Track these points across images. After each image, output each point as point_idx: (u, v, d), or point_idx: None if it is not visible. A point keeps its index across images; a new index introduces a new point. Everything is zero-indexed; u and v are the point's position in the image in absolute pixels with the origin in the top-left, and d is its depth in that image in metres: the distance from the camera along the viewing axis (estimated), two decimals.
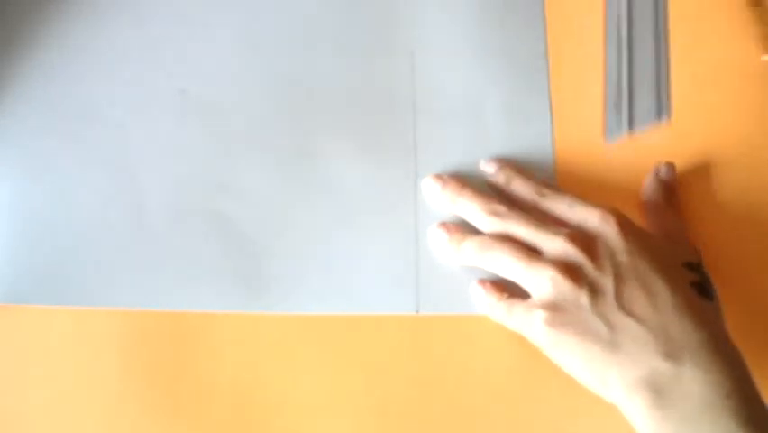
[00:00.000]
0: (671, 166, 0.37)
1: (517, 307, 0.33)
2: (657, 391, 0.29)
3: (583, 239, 0.32)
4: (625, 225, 0.33)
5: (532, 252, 0.33)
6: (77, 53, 0.40)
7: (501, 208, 0.34)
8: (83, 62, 0.40)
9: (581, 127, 0.39)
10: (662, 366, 0.29)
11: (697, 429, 0.28)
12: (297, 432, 0.35)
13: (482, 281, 0.35)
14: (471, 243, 0.35)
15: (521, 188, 0.36)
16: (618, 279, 0.31)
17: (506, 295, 0.34)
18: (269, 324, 0.36)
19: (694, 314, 0.30)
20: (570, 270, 0.31)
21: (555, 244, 0.32)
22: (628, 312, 0.30)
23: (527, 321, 0.33)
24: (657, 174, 0.37)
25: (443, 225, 0.36)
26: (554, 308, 0.31)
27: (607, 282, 0.31)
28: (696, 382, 0.28)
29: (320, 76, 0.40)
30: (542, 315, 0.32)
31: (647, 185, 0.37)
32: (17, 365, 0.36)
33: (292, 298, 0.36)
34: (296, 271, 0.37)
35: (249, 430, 0.35)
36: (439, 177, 0.37)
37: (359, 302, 0.36)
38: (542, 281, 0.32)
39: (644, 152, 0.38)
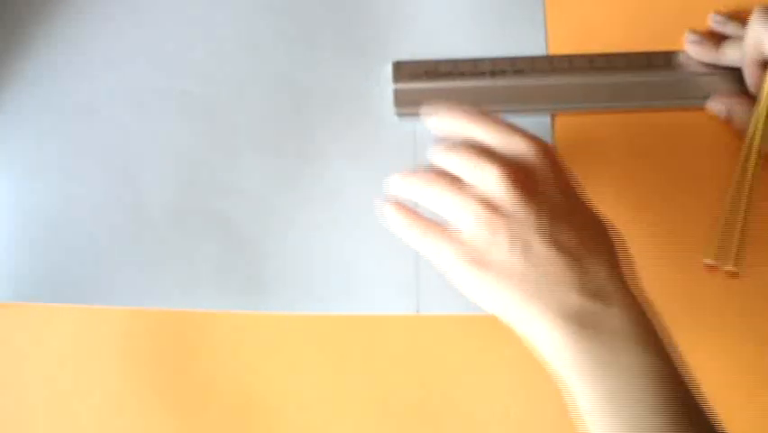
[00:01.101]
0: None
1: (434, 232, 0.32)
2: (581, 327, 0.29)
3: (517, 172, 0.31)
4: (555, 155, 0.32)
5: (461, 183, 0.32)
6: (78, 53, 0.40)
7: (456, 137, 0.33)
8: (83, 62, 0.40)
9: None
10: (588, 304, 0.29)
11: (617, 361, 0.29)
12: (298, 431, 0.35)
13: (395, 201, 0.33)
14: (413, 176, 0.33)
15: (458, 128, 0.34)
16: (546, 213, 0.30)
17: (423, 220, 0.32)
18: (269, 324, 0.36)
19: (614, 250, 0.31)
20: (494, 207, 0.30)
21: (487, 176, 0.31)
22: (555, 247, 0.30)
23: (442, 251, 0.31)
24: None
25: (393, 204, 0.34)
26: (474, 243, 0.30)
27: (534, 217, 0.30)
28: (616, 316, 0.29)
29: (320, 76, 0.40)
30: (460, 249, 0.31)
31: None
32: (17, 364, 0.36)
33: (292, 298, 0.36)
34: (296, 271, 0.37)
35: (249, 430, 0.35)
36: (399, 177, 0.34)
37: (359, 302, 0.36)
38: (465, 215, 0.31)
39: None
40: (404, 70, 0.40)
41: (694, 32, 0.39)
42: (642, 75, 0.39)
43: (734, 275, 0.36)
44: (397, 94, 0.39)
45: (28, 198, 0.38)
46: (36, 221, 0.37)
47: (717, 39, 0.39)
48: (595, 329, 0.29)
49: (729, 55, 0.38)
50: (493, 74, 0.39)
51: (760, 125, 0.36)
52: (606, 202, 0.35)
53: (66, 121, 0.39)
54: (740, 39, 0.37)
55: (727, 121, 0.38)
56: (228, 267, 0.37)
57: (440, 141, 0.33)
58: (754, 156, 0.36)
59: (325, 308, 0.36)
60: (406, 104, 0.39)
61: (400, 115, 0.39)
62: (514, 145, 0.32)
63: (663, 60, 0.40)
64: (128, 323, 0.36)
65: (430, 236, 0.32)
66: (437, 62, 0.40)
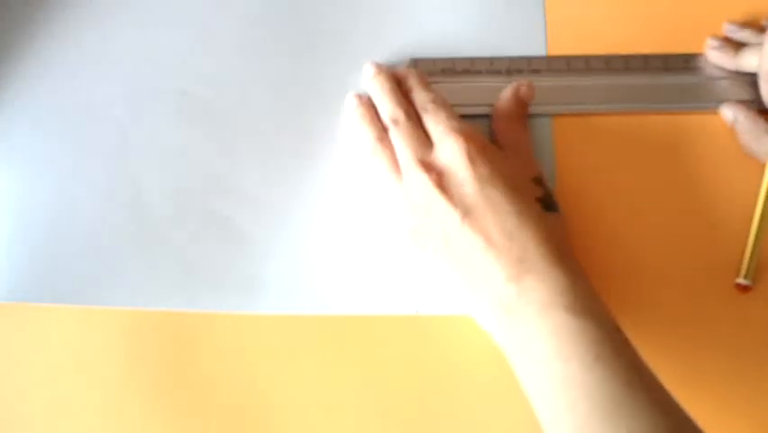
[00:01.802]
0: (531, 87, 0.38)
1: (387, 151, 0.36)
2: (504, 308, 0.31)
3: (437, 171, 0.33)
4: (472, 152, 0.33)
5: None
6: (78, 53, 0.40)
7: (402, 117, 0.36)
8: (83, 62, 0.40)
9: None
10: (506, 289, 0.31)
11: (537, 327, 0.30)
12: (297, 431, 0.35)
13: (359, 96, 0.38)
14: (368, 139, 0.37)
15: (416, 96, 0.37)
16: (467, 208, 0.32)
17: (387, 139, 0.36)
18: (269, 324, 0.36)
19: (539, 230, 0.32)
20: (421, 211, 0.33)
21: (411, 176, 0.34)
22: (478, 239, 0.31)
23: (384, 171, 0.35)
24: (517, 90, 0.38)
25: (357, 96, 0.38)
26: (415, 227, 0.34)
27: (454, 216, 0.32)
28: (534, 290, 0.30)
29: (319, 76, 0.40)
30: (407, 222, 0.34)
31: (503, 96, 0.38)
32: (17, 365, 0.36)
33: (292, 298, 0.36)
34: (295, 271, 0.37)
35: (249, 430, 0.35)
36: (377, 66, 0.38)
37: (359, 302, 0.36)
38: (403, 207, 0.34)
39: None
40: (421, 68, 0.40)
41: (716, 37, 0.39)
42: (665, 77, 0.39)
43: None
44: None
45: (28, 198, 0.38)
46: (36, 221, 0.37)
47: (735, 45, 0.39)
48: (516, 306, 0.31)
49: (748, 61, 0.38)
50: (509, 73, 0.39)
51: None
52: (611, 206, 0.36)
53: (66, 121, 0.39)
54: (759, 46, 0.37)
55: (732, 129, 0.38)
56: (228, 267, 0.37)
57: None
58: None
59: (325, 307, 0.36)
60: None
61: None
62: (436, 137, 0.35)
63: (693, 62, 0.40)
64: (128, 323, 0.36)
65: (381, 147, 0.36)
66: (454, 60, 0.40)
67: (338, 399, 0.35)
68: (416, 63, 0.40)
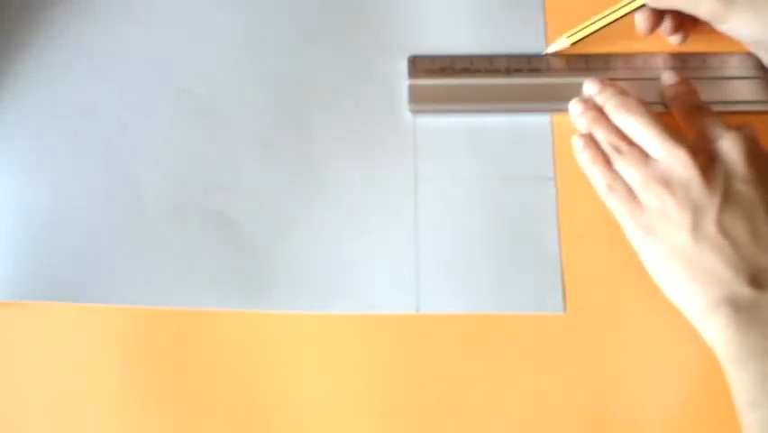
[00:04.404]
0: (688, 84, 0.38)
1: (617, 189, 0.35)
2: (737, 312, 0.30)
3: (705, 156, 0.33)
4: (753, 151, 0.33)
5: (646, 157, 0.34)
6: (78, 53, 0.40)
7: (641, 108, 0.36)
8: (83, 62, 0.40)
9: None
10: (746, 291, 0.31)
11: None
12: (298, 431, 0.35)
13: (587, 137, 0.37)
14: (603, 139, 0.36)
15: (687, 97, 0.37)
16: (725, 202, 0.32)
17: (613, 172, 0.35)
18: (269, 323, 0.36)
19: None
20: (675, 190, 0.33)
21: (674, 155, 0.33)
22: (724, 234, 0.32)
23: (619, 209, 0.35)
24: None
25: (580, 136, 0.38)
26: (647, 212, 0.33)
27: (712, 204, 0.32)
28: None
29: (320, 75, 0.40)
30: (634, 212, 0.34)
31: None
32: (17, 363, 0.36)
33: (292, 297, 0.36)
34: (296, 270, 0.37)
35: (249, 429, 0.35)
36: (600, 80, 0.38)
37: (359, 302, 0.36)
38: (648, 195, 0.34)
39: None
40: (419, 66, 0.40)
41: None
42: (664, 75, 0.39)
43: None
44: (412, 90, 0.39)
45: (28, 198, 0.38)
46: (36, 221, 0.37)
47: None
48: (750, 315, 0.30)
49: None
50: (508, 72, 0.39)
51: None
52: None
53: (66, 121, 0.39)
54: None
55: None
56: (228, 266, 0.37)
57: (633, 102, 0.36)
58: None
59: (325, 307, 0.36)
60: (421, 101, 0.39)
61: (414, 111, 0.39)
62: (713, 130, 0.34)
63: (692, 62, 0.40)
64: (128, 322, 0.36)
65: (614, 193, 0.35)
66: (453, 58, 0.40)
67: (338, 398, 0.35)
68: (414, 61, 0.40)
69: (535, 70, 0.40)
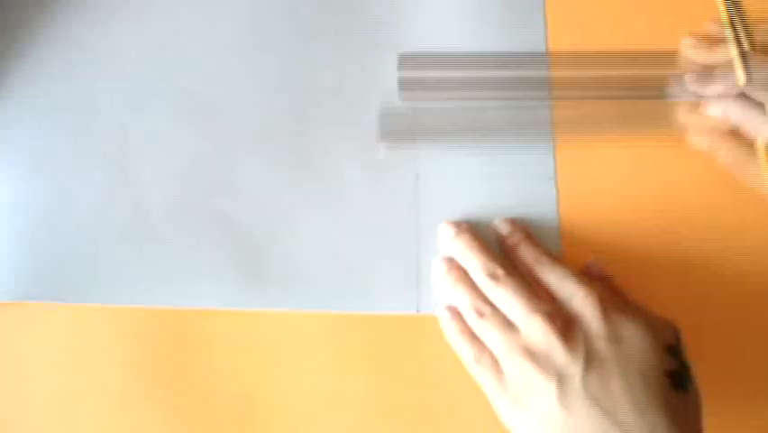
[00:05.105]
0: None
1: (488, 362, 0.33)
2: None
3: (562, 320, 0.32)
4: (608, 307, 0.32)
5: (510, 327, 0.33)
6: (78, 52, 0.40)
7: (500, 272, 0.34)
8: (83, 61, 0.40)
9: None
10: None
11: None
12: (298, 430, 0.35)
13: (451, 308, 0.35)
14: (467, 303, 0.35)
15: (524, 252, 0.35)
16: (589, 365, 0.30)
17: (480, 344, 0.34)
18: (269, 322, 0.36)
19: (664, 409, 0.29)
20: (538, 358, 0.31)
21: (531, 324, 0.32)
22: (594, 402, 0.30)
23: (486, 381, 0.33)
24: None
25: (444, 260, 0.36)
26: (518, 391, 0.32)
27: (576, 369, 0.30)
28: None
29: (320, 75, 0.40)
30: (501, 385, 0.32)
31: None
32: (17, 363, 0.36)
33: (292, 296, 0.36)
34: (296, 270, 0.37)
35: (249, 428, 0.35)
36: (456, 225, 0.36)
37: (359, 302, 0.36)
38: (512, 366, 0.32)
39: None
40: (408, 62, 0.40)
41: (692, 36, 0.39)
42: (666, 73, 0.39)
43: None
44: (402, 83, 0.39)
45: (28, 198, 0.38)
46: (36, 220, 0.37)
47: (711, 41, 0.38)
48: None
49: (723, 53, 0.37)
50: (499, 69, 0.39)
51: None
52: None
53: (66, 121, 0.39)
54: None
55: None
56: (228, 265, 0.37)
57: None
58: None
59: (325, 307, 0.36)
60: (412, 92, 0.39)
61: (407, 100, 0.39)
62: (564, 290, 0.33)
63: None
64: (128, 322, 0.36)
65: (480, 365, 0.33)
66: (452, 57, 0.40)
67: (338, 398, 0.35)
68: (411, 59, 0.40)
69: (535, 68, 0.40)
